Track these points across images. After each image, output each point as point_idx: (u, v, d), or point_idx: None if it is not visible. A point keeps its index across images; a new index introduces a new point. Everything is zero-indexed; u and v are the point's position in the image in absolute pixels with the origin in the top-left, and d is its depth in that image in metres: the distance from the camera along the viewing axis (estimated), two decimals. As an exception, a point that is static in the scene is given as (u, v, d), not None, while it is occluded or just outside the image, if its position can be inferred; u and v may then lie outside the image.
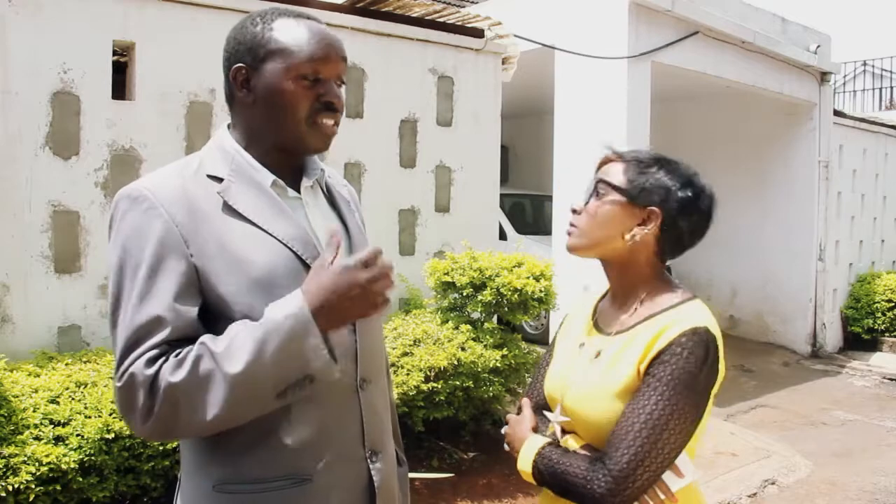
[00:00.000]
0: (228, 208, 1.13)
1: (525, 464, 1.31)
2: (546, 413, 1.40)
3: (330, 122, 1.18)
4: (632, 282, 1.34)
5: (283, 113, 1.15)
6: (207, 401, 1.02)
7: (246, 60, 1.17)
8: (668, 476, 1.21)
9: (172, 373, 1.02)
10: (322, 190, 1.31)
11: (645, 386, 1.21)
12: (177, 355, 1.04)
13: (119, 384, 1.04)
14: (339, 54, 1.19)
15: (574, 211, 1.36)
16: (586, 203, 1.35)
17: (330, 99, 1.17)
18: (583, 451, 1.28)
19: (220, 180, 1.15)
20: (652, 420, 1.17)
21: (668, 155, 1.36)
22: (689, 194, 1.31)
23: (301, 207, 1.22)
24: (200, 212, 1.11)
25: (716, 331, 1.24)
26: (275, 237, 1.13)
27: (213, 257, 1.09)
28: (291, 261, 1.13)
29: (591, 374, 1.31)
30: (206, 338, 1.05)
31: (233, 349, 1.02)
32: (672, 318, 1.25)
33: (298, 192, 1.23)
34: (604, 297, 1.44)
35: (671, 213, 1.30)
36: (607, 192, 1.31)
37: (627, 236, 1.30)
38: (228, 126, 1.24)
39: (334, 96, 1.18)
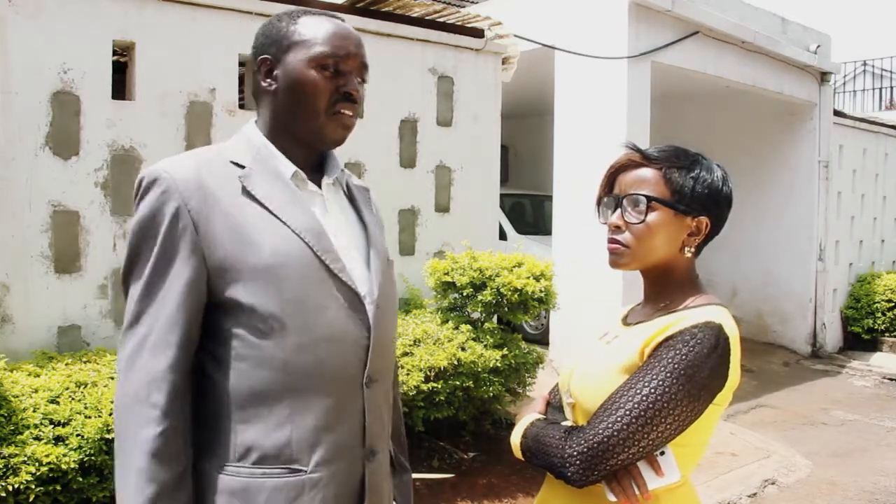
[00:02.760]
0: (246, 193, 1.16)
1: (516, 436, 1.31)
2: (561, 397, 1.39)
3: (349, 112, 1.22)
4: (669, 286, 1.31)
5: (304, 100, 1.19)
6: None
7: (271, 52, 1.21)
8: (646, 471, 1.17)
9: (147, 423, 1.08)
10: (343, 189, 1.34)
11: (645, 366, 1.18)
12: (174, 428, 1.09)
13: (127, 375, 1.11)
14: (360, 51, 1.24)
15: (616, 227, 1.29)
16: (620, 214, 1.28)
17: (349, 90, 1.20)
18: (570, 425, 1.27)
19: (243, 167, 1.18)
20: (643, 400, 1.14)
21: (689, 148, 1.32)
22: (728, 193, 1.30)
23: (320, 203, 1.25)
24: (216, 195, 1.14)
25: (732, 334, 1.20)
26: (287, 226, 1.15)
27: (222, 242, 1.12)
28: (302, 251, 1.15)
29: (596, 355, 1.32)
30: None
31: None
32: (691, 313, 1.23)
33: (319, 187, 1.26)
34: (639, 304, 1.43)
35: (714, 216, 1.29)
36: (654, 207, 1.25)
37: (687, 252, 1.28)
38: (255, 122, 1.27)
39: (354, 87, 1.21)
